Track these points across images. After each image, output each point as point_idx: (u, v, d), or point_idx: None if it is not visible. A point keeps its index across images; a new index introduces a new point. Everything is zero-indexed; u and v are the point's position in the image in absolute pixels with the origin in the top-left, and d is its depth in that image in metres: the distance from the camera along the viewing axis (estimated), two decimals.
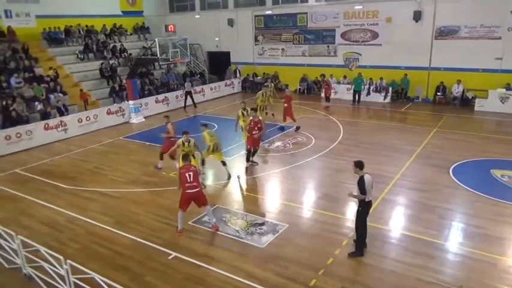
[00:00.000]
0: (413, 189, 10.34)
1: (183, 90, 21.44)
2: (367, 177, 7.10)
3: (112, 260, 7.67)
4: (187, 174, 8.15)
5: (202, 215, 9.23)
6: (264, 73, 25.70)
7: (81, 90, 19.84)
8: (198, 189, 8.23)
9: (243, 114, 13.18)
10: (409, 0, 19.93)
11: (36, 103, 17.40)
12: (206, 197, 8.64)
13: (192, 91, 21.49)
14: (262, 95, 16.63)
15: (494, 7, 18.15)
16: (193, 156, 10.50)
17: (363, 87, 21.06)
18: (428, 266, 7.09)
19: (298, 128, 15.88)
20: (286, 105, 15.85)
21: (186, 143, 10.40)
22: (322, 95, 21.38)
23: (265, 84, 19.16)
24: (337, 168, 11.97)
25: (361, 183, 7.06)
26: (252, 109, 12.58)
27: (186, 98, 21.20)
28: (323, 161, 12.65)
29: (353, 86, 21.19)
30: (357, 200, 7.39)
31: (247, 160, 12.12)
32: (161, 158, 12.16)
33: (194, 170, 8.26)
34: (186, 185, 8.16)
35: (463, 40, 19.21)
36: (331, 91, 20.88)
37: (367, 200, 7.17)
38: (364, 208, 7.32)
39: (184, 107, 21.19)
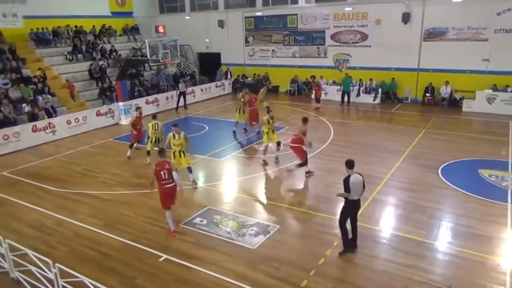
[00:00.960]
0: (403, 189, 10.43)
1: (177, 90, 21.35)
2: (354, 177, 7.19)
3: (101, 263, 7.58)
4: (162, 172, 8.22)
5: (192, 217, 9.20)
6: (254, 74, 25.72)
7: (67, 80, 19.98)
8: (173, 184, 8.34)
9: (268, 122, 12.44)
10: (398, 2, 20.13)
11: (24, 105, 17.16)
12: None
13: (186, 92, 21.49)
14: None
15: (481, 9, 18.41)
16: (183, 152, 10.66)
17: (351, 88, 21.20)
18: (419, 266, 7.15)
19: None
20: (251, 108, 15.49)
21: (176, 135, 10.53)
22: (313, 96, 21.48)
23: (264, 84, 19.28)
24: (327, 168, 12.01)
25: (345, 181, 7.21)
26: (303, 120, 11.59)
27: (179, 99, 21.16)
28: (314, 161, 12.65)
29: (341, 87, 21.34)
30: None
31: (304, 169, 11.56)
32: (130, 147, 13.61)
33: (168, 168, 8.27)
34: (162, 182, 8.25)
35: (451, 42, 19.46)
36: (321, 92, 20.99)
37: (350, 198, 7.28)
38: (347, 206, 7.43)
39: (177, 108, 21.12)
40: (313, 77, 21.54)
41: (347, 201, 7.38)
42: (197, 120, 18.66)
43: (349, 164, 7.34)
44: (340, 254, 7.57)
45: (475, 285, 6.65)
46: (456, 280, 6.76)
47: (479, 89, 18.63)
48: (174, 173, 8.33)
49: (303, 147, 11.32)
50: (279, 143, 12.67)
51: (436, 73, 20.03)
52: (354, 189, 7.20)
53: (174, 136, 10.56)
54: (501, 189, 10.20)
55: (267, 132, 12.44)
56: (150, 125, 12.43)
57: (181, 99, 21.11)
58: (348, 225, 7.61)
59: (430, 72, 20.25)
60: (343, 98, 21.16)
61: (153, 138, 12.44)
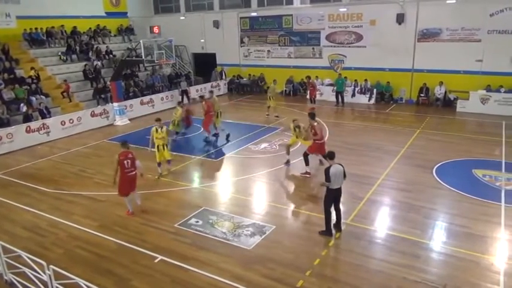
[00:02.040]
0: (398, 189, 10.48)
1: (179, 89, 21.97)
2: (334, 167, 7.85)
3: (96, 264, 7.54)
4: (125, 162, 8.95)
5: (188, 217, 9.18)
6: (249, 75, 25.73)
7: (65, 80, 19.99)
8: (134, 172, 9.12)
9: (295, 129, 12.38)
10: (393, 3, 20.24)
11: (22, 104, 17.06)
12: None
13: (188, 90, 21.63)
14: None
15: (474, 10, 18.55)
16: (166, 146, 11.41)
17: (345, 88, 21.23)
18: (414, 266, 7.18)
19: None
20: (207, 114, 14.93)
21: (159, 129, 11.24)
22: (308, 96, 21.52)
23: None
24: (323, 169, 11.99)
25: (326, 171, 7.85)
26: (310, 115, 11.78)
27: (182, 97, 21.45)
28: (309, 162, 12.68)
29: (335, 87, 21.41)
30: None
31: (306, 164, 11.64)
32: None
33: (131, 157, 9.04)
34: (125, 170, 8.98)
35: (445, 43, 19.60)
36: (316, 93, 21.02)
37: (330, 187, 7.92)
38: (329, 194, 8.07)
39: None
40: (309, 77, 21.58)
41: (328, 189, 8.01)
42: (192, 120, 18.60)
43: (330, 155, 8.08)
44: (320, 233, 8.25)
45: (470, 285, 6.69)
46: (451, 279, 6.80)
47: (473, 90, 18.77)
48: (137, 162, 9.17)
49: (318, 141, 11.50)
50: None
51: (430, 73, 20.16)
52: (335, 179, 7.83)
53: (157, 130, 11.23)
54: (495, 189, 10.28)
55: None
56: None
57: (185, 97, 21.60)
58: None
59: (425, 73, 20.38)
60: (337, 98, 21.24)
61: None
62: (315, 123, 11.49)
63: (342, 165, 8.00)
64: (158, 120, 11.94)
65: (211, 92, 18.25)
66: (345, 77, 21.72)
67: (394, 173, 11.53)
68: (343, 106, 20.94)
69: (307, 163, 11.59)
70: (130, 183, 9.18)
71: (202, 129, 15.62)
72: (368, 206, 9.50)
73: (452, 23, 19.21)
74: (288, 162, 12.38)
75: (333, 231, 8.24)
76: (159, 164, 11.66)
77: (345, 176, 8.06)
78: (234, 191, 10.85)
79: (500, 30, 18.20)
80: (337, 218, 8.37)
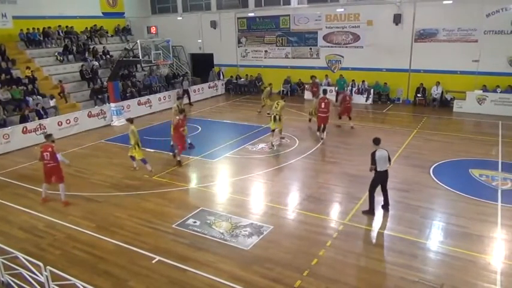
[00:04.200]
0: (395, 189, 10.48)
1: (181, 88, 22.18)
2: (379, 151, 8.70)
3: (94, 265, 7.52)
4: (44, 154, 9.79)
5: (185, 218, 9.17)
6: (246, 75, 25.73)
7: (60, 81, 20.00)
8: (54, 164, 9.84)
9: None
10: (390, 3, 20.29)
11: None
12: (62, 174, 10.14)
13: (190, 90, 21.72)
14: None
15: (471, 11, 18.63)
16: (137, 145, 11.88)
17: (345, 88, 21.30)
18: (411, 265, 7.20)
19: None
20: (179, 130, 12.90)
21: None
22: (306, 96, 21.54)
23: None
24: (320, 169, 12.05)
25: (372, 155, 8.72)
26: (323, 91, 15.77)
27: (183, 97, 21.36)
28: (307, 162, 12.72)
29: (336, 88, 21.48)
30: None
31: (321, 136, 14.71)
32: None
33: (51, 151, 9.78)
34: (45, 161, 9.83)
35: (442, 43, 19.67)
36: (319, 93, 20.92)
37: (378, 169, 8.75)
38: (375, 176, 8.91)
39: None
40: (314, 77, 21.45)
41: (375, 172, 8.80)
42: (190, 121, 18.55)
43: (376, 141, 8.87)
44: (363, 212, 9.10)
45: (467, 284, 6.72)
46: (448, 279, 6.82)
47: (469, 90, 18.85)
48: (58, 155, 9.82)
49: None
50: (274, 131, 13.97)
51: (427, 74, 20.23)
52: (379, 162, 8.65)
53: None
54: (491, 189, 10.32)
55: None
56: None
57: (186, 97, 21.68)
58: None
59: (421, 73, 20.45)
60: (337, 98, 21.24)
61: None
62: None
63: (386, 150, 8.82)
64: (131, 121, 12.62)
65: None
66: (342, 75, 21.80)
67: (391, 173, 11.40)
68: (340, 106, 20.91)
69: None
70: (50, 174, 10.00)
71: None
72: (365, 206, 9.50)
73: (448, 23, 19.28)
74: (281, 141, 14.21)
75: (375, 211, 9.02)
76: (133, 158, 12.23)
77: (389, 160, 8.91)
78: (232, 191, 10.84)
79: (496, 31, 18.29)
80: (384, 200, 9.18)
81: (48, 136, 10.33)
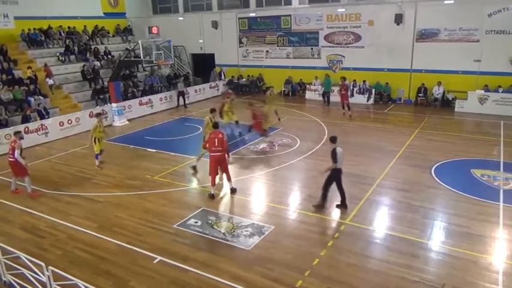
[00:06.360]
0: (397, 189, 10.49)
1: (176, 90, 21.99)
2: (339, 149, 8.89)
3: (95, 266, 7.53)
4: (9, 148, 10.72)
5: (187, 218, 9.18)
6: (248, 75, 25.73)
7: (45, 64, 20.12)
8: (11, 159, 10.56)
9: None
10: (391, 3, 20.27)
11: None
12: (18, 170, 10.66)
13: (185, 91, 21.71)
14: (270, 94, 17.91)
15: (472, 11, 18.60)
16: (99, 140, 12.59)
17: (332, 88, 20.99)
18: (412, 265, 7.20)
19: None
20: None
21: (100, 124, 12.63)
22: (340, 102, 19.22)
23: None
24: (321, 169, 12.01)
25: (333, 153, 8.89)
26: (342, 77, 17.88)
27: (178, 98, 21.64)
28: (308, 162, 12.71)
29: (323, 88, 21.39)
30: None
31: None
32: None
33: (12, 147, 10.51)
34: (9, 155, 10.70)
35: (443, 43, 19.64)
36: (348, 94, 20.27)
37: (337, 167, 8.96)
38: (333, 174, 9.06)
39: (177, 105, 21.79)
40: (344, 78, 18.61)
41: (333, 170, 8.96)
42: (191, 121, 18.63)
43: (333, 139, 9.09)
44: (313, 206, 9.34)
45: (468, 284, 6.71)
46: (449, 279, 6.81)
47: (471, 90, 18.81)
48: (15, 152, 10.44)
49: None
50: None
51: (428, 74, 20.20)
52: (340, 159, 8.86)
53: (100, 125, 12.57)
54: (493, 189, 10.30)
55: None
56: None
57: (181, 98, 21.71)
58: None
59: (423, 73, 20.42)
60: (324, 98, 21.25)
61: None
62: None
63: (340, 147, 9.05)
64: (99, 114, 13.33)
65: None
66: (328, 75, 21.38)
67: (392, 173, 11.54)
68: (329, 105, 20.89)
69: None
70: (12, 167, 10.75)
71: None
72: (367, 206, 9.51)
73: (450, 23, 19.25)
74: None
75: (324, 207, 9.28)
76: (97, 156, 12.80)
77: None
78: (233, 191, 10.83)
79: (498, 31, 18.25)
80: (342, 197, 9.27)
81: (16, 133, 11.06)
